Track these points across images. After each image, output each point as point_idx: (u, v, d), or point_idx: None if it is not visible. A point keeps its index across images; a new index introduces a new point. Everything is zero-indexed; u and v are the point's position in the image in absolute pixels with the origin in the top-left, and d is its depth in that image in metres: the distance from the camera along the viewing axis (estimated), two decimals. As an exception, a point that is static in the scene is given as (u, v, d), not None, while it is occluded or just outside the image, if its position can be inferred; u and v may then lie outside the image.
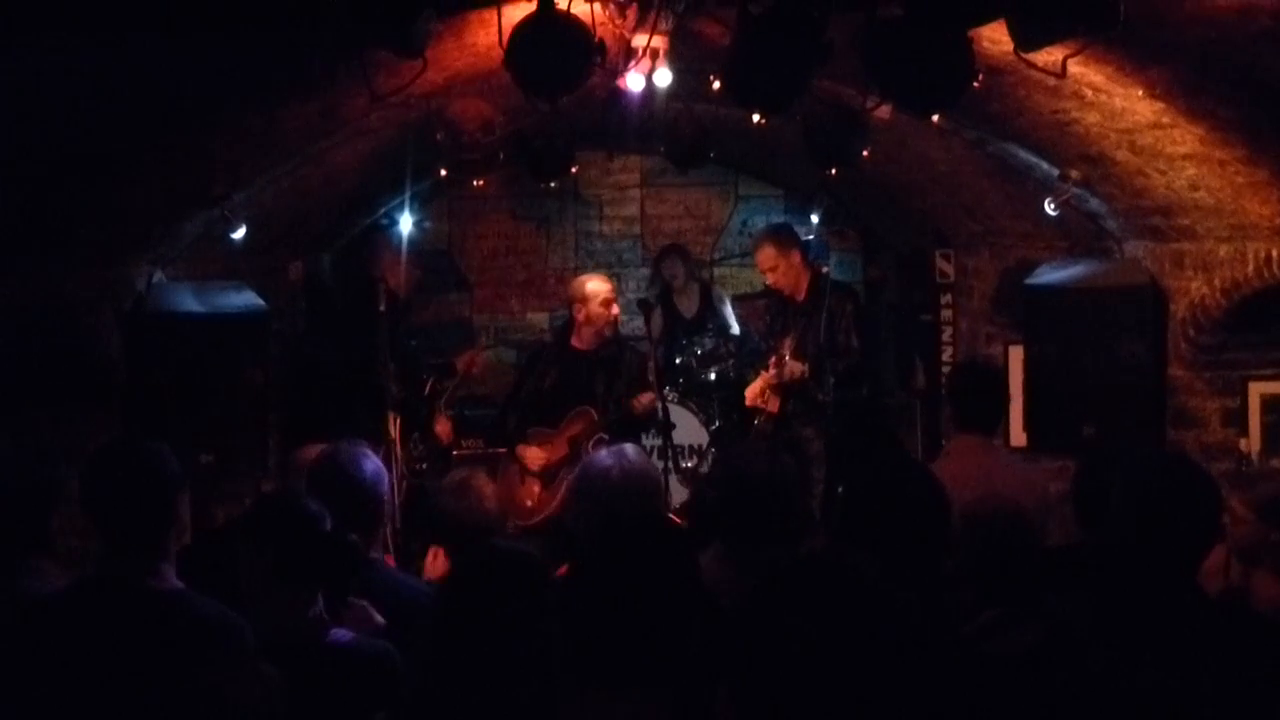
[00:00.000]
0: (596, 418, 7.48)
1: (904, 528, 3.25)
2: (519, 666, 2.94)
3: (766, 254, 7.94)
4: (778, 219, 10.09)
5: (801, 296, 7.91)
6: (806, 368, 7.67)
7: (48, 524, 3.91)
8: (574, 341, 7.73)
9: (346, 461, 4.67)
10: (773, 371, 7.76)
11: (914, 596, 3.10)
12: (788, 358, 7.69)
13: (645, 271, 10.94)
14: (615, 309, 7.70)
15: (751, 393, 8.06)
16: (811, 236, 9.02)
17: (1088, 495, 4.33)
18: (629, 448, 4.43)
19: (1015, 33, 3.72)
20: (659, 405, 7.48)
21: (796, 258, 7.94)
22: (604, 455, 4.34)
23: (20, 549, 3.86)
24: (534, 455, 7.51)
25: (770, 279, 8.05)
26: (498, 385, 9.69)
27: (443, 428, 8.23)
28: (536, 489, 7.48)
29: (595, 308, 7.59)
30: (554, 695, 2.90)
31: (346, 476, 4.55)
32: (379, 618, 3.90)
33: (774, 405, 7.86)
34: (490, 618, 2.98)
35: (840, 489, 4.11)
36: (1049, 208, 6.11)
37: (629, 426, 7.54)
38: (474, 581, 3.11)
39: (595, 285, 7.68)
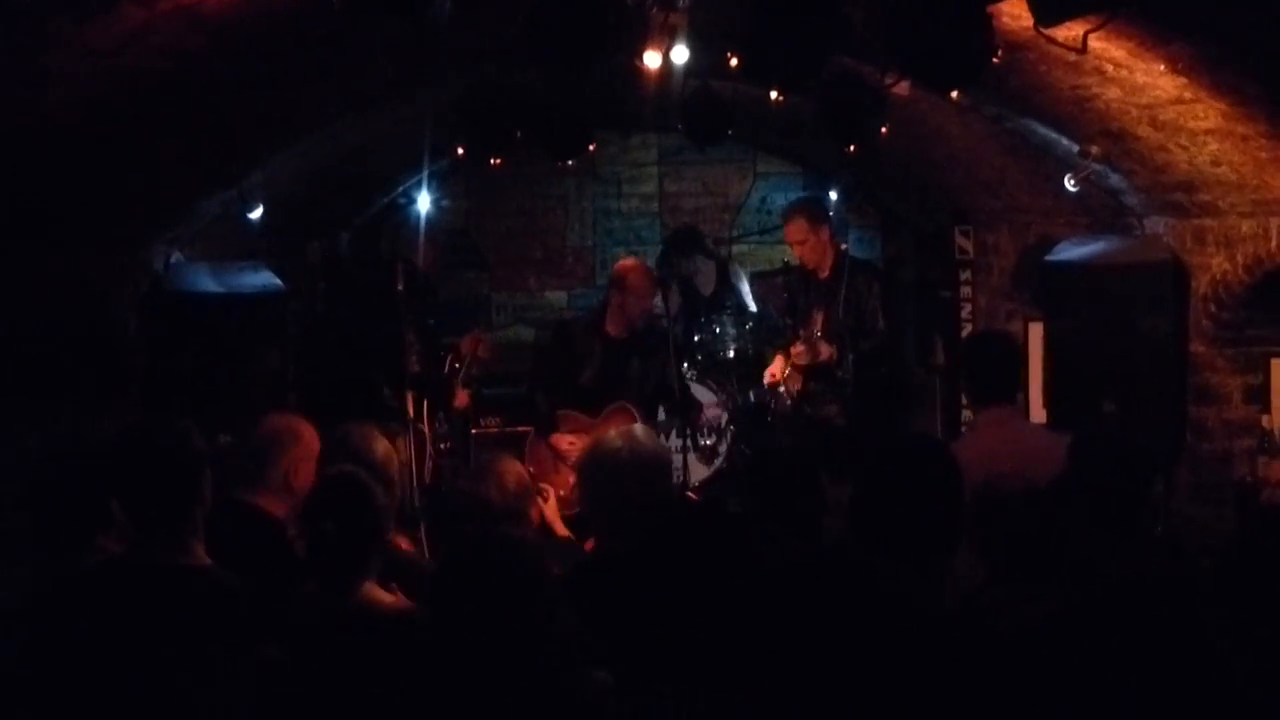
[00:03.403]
0: (638, 420, 7.38)
1: (908, 513, 3.23)
2: (513, 652, 2.91)
3: (798, 226, 7.86)
4: (796, 196, 10.05)
5: (825, 274, 7.87)
6: (834, 350, 7.65)
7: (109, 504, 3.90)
8: (608, 326, 7.64)
9: (358, 442, 4.70)
10: (803, 348, 7.72)
11: (917, 579, 3.10)
12: (818, 334, 7.65)
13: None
14: (654, 300, 7.65)
15: (772, 371, 8.03)
16: (831, 213, 8.97)
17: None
18: (638, 428, 4.41)
19: (1036, 7, 3.69)
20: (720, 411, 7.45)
21: (826, 233, 7.88)
22: (613, 436, 4.30)
23: (84, 528, 3.88)
24: (570, 445, 7.38)
25: (797, 252, 7.98)
26: (515, 363, 9.69)
27: (461, 399, 8.21)
28: (571, 480, 7.43)
29: (635, 300, 7.52)
30: (559, 678, 2.89)
31: (358, 457, 4.57)
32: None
33: (797, 383, 7.85)
34: (481, 605, 2.96)
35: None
36: (1069, 184, 6.08)
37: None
38: (463, 568, 3.10)
39: (636, 279, 7.57)
